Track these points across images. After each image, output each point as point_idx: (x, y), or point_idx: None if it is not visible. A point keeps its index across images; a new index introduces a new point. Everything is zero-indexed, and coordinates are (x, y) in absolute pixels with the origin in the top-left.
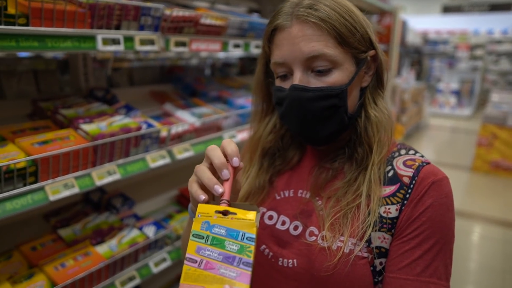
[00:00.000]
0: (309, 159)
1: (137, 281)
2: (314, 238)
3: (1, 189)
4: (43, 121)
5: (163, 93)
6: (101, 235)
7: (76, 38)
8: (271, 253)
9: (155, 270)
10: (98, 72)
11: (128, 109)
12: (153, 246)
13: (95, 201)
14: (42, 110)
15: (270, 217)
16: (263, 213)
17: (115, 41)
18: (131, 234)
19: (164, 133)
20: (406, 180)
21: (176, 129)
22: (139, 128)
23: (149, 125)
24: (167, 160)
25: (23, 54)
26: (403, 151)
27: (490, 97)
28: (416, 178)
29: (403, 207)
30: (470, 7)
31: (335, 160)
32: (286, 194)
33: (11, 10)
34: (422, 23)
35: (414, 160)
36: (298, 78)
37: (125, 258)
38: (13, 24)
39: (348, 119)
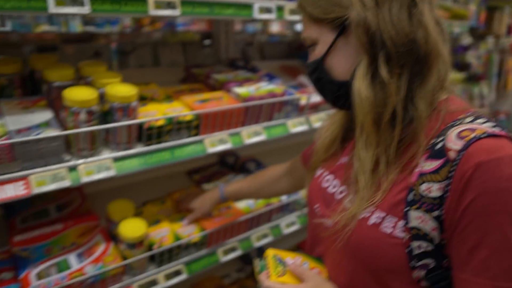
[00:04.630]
0: None
1: (269, 238)
2: (350, 204)
3: (172, 138)
4: (196, 84)
5: (293, 68)
6: None
7: (237, 6)
8: (320, 212)
9: (285, 231)
10: (233, 46)
11: (270, 78)
12: (285, 208)
13: (230, 163)
14: (194, 76)
15: (327, 181)
16: (324, 176)
17: (269, 10)
18: None
19: (303, 102)
20: (452, 155)
21: (314, 98)
22: (283, 94)
23: (290, 93)
24: (305, 127)
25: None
26: (469, 119)
27: None
28: (463, 153)
29: (447, 189)
30: None
31: None
32: (344, 160)
33: None
34: None
35: (473, 130)
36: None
37: (261, 216)
38: None
39: (340, 88)
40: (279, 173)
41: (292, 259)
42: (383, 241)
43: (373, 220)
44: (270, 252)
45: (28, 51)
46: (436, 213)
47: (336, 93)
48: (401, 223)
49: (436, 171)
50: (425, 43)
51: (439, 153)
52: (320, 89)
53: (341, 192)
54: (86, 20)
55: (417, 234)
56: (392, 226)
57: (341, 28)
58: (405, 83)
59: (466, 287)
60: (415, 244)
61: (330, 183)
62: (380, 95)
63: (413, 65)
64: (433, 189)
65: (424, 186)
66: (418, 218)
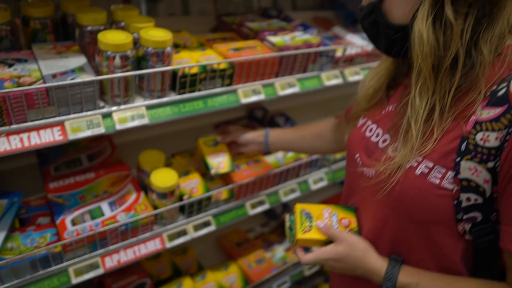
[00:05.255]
0: None
1: (297, 193)
2: (395, 154)
3: (205, 87)
4: (228, 33)
5: (326, 19)
6: None
7: None
8: (360, 162)
9: (313, 187)
10: None
11: (305, 27)
12: (313, 164)
13: (259, 117)
14: (226, 24)
15: (370, 130)
16: (367, 126)
17: None
18: None
19: (339, 53)
20: None
21: (350, 51)
22: (320, 44)
23: (325, 45)
24: (339, 80)
25: None
26: None
27: None
28: None
29: (507, 138)
30: None
31: None
32: (390, 108)
33: None
34: None
35: None
36: None
37: (290, 170)
38: None
39: (397, 32)
40: (326, 127)
41: (322, 221)
42: (430, 192)
43: (420, 170)
44: (298, 207)
45: None
46: (491, 164)
47: (392, 38)
48: (450, 174)
49: (495, 119)
50: None
51: (501, 100)
52: (374, 35)
53: (384, 141)
54: None
55: (467, 186)
56: (440, 177)
57: None
58: (471, 25)
59: None
60: (464, 196)
61: (374, 132)
62: (442, 38)
63: (482, 5)
64: (490, 139)
65: (480, 135)
66: (470, 169)
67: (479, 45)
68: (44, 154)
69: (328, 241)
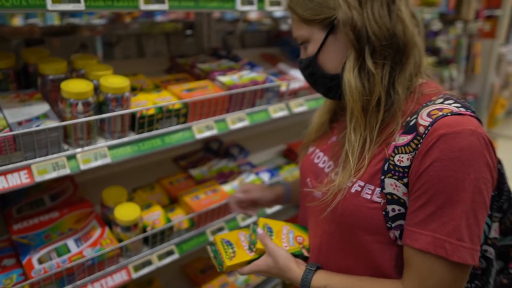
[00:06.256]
0: None
1: (253, 218)
2: (336, 177)
3: (162, 125)
4: (181, 74)
5: (272, 56)
6: (224, 177)
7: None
8: (311, 185)
9: (268, 211)
10: (214, 35)
11: (252, 66)
12: None
13: (215, 149)
14: (179, 65)
15: (318, 157)
16: (316, 153)
17: (250, 2)
18: (250, 178)
19: (283, 88)
20: (421, 130)
21: (293, 85)
22: (265, 81)
23: (271, 81)
24: (285, 112)
25: (158, 18)
26: (439, 101)
27: None
28: (429, 128)
29: (413, 158)
30: None
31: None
32: (334, 139)
33: None
34: None
35: (441, 109)
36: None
37: None
38: None
39: (332, 80)
40: None
41: (261, 230)
42: (364, 206)
43: (354, 188)
44: (217, 238)
45: (15, 44)
46: (405, 180)
47: (328, 85)
48: (377, 190)
49: (407, 144)
50: (403, 35)
51: (412, 129)
52: (313, 83)
53: (329, 167)
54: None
55: (391, 199)
56: (370, 193)
57: (330, 27)
58: (387, 72)
59: (410, 237)
60: (390, 207)
61: (321, 159)
62: (367, 84)
63: (394, 56)
64: (403, 160)
65: (397, 157)
66: (391, 185)
67: (395, 86)
68: (5, 197)
69: (252, 260)
